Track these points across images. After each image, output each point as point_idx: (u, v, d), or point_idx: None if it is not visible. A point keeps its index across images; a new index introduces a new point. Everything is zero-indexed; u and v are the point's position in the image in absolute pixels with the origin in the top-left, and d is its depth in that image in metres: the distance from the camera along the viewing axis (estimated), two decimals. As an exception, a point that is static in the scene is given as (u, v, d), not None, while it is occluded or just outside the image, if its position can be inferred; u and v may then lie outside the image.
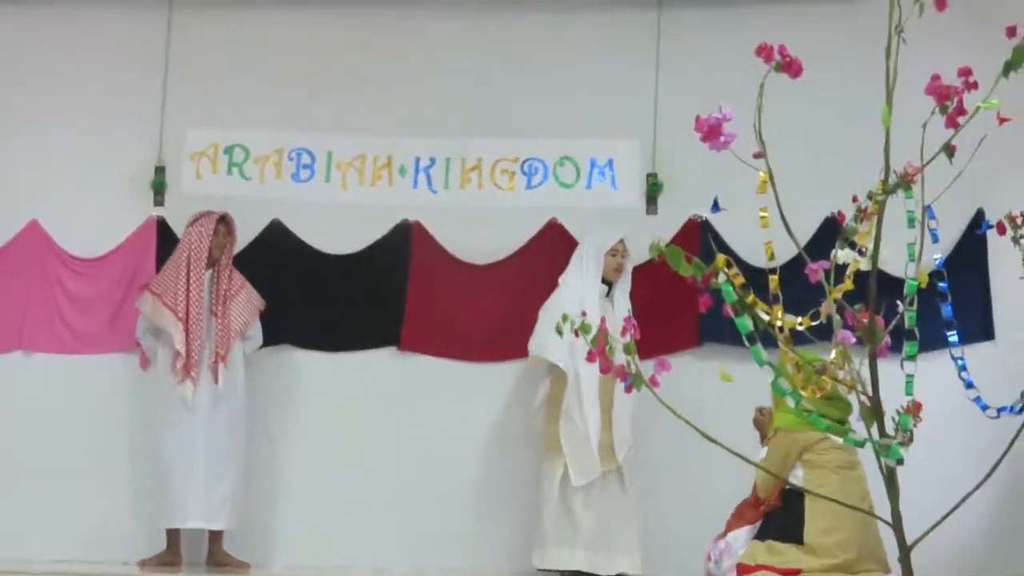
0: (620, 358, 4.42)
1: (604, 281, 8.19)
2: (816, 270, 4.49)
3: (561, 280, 8.18)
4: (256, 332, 8.45)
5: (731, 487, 7.38)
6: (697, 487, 8.25)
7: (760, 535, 6.86)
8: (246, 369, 8.38)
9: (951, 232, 8.12)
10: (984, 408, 5.55)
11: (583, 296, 7.96)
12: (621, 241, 8.22)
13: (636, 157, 8.83)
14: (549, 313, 8.04)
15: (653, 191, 8.77)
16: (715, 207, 4.89)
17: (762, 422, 7.33)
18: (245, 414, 8.32)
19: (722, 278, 4.44)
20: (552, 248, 8.57)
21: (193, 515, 8.07)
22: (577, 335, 4.40)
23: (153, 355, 8.27)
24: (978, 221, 8.35)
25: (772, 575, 6.59)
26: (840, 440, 4.66)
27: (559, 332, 4.64)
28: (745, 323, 4.47)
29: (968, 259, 8.35)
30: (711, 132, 4.46)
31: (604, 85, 8.85)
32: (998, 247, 8.29)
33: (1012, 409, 5.49)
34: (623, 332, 4.37)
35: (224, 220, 8.33)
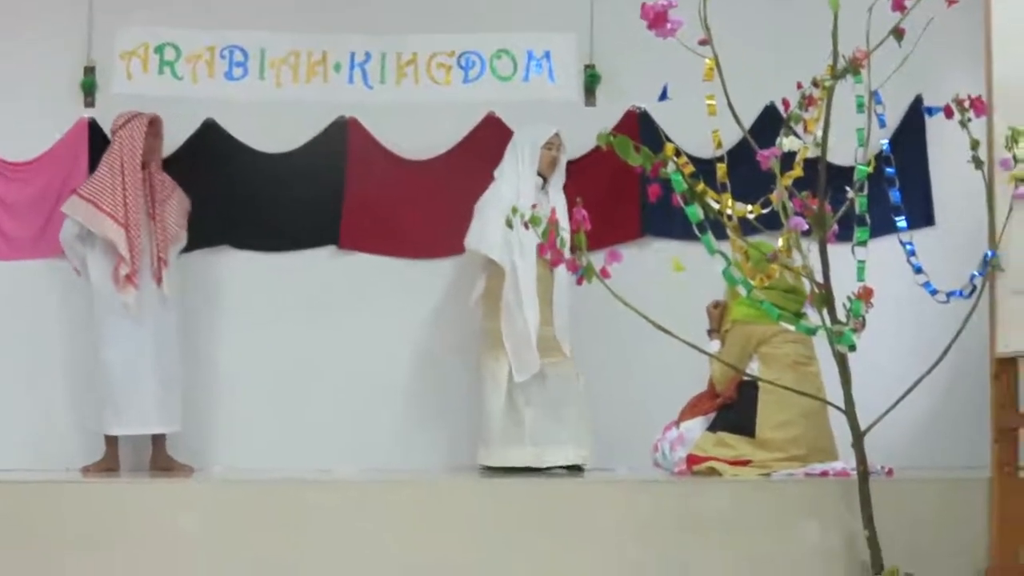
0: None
1: (539, 175, 8.13)
2: (768, 157, 4.48)
3: (496, 174, 8.11)
4: (184, 233, 8.36)
5: (673, 379, 7.44)
6: (639, 380, 8.28)
7: (712, 427, 6.90)
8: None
9: (890, 119, 8.11)
10: (933, 293, 5.57)
11: (520, 190, 7.92)
12: (556, 134, 8.15)
13: (573, 49, 8.75)
14: (485, 208, 7.99)
15: (591, 83, 8.71)
16: (663, 95, 4.87)
17: (714, 315, 7.34)
18: (182, 316, 8.26)
19: (671, 167, 4.42)
20: (490, 142, 8.47)
21: (147, 421, 8.02)
22: (527, 227, 4.38)
23: (82, 262, 8.14)
24: (917, 107, 8.37)
25: (722, 466, 6.64)
26: (793, 329, 4.66)
27: (509, 225, 4.62)
28: (695, 212, 4.46)
29: (908, 145, 8.33)
30: (657, 19, 4.42)
31: (540, -24, 8.77)
32: (936, 132, 8.32)
33: (961, 293, 5.52)
34: (574, 225, 4.35)
35: (153, 122, 8.18)
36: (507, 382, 7.81)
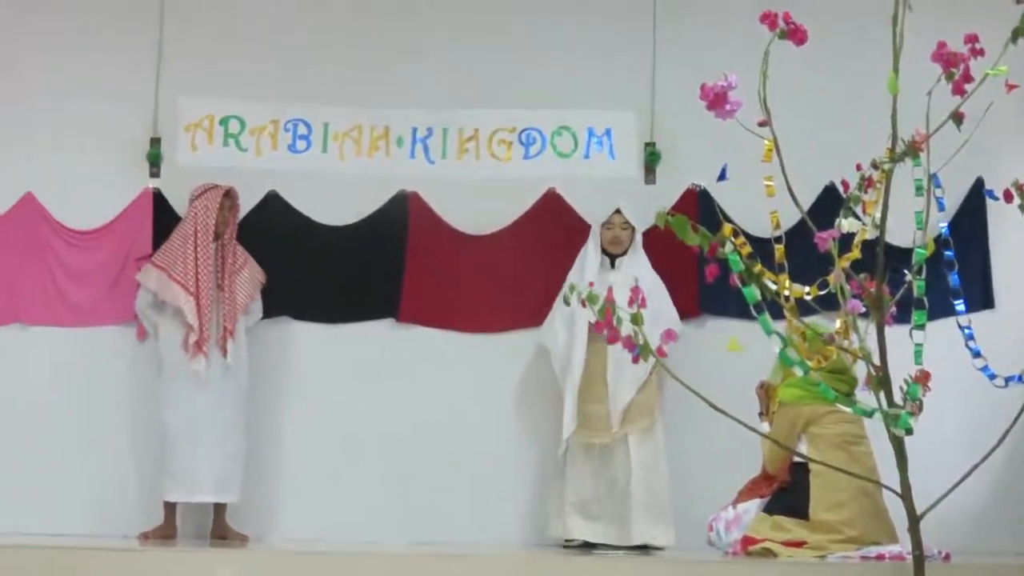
0: (627, 328, 4.40)
1: (608, 254, 8.18)
2: (826, 239, 4.47)
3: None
4: (257, 306, 8.45)
5: (729, 458, 7.39)
6: (696, 457, 8.23)
7: (768, 510, 6.85)
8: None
9: (949, 201, 8.09)
10: (992, 377, 5.53)
11: (584, 268, 8.07)
12: (617, 212, 8.20)
13: (634, 126, 8.79)
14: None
15: (651, 160, 8.73)
16: (722, 176, 4.87)
17: (761, 396, 7.31)
18: (249, 388, 8.30)
19: (729, 247, 4.42)
20: (550, 218, 8.55)
21: (201, 489, 8.07)
22: (584, 305, 4.39)
23: (154, 329, 8.24)
24: (977, 189, 8.35)
25: (777, 547, 6.59)
26: (848, 411, 4.64)
27: (566, 302, 4.66)
28: (752, 292, 4.46)
29: (968, 228, 8.32)
30: (717, 100, 4.43)
31: (601, 54, 8.80)
32: (996, 215, 8.30)
33: (1020, 379, 5.47)
34: (630, 302, 4.36)
35: (228, 194, 8.29)
36: (563, 458, 7.90)
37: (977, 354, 5.59)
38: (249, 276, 8.35)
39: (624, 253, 8.20)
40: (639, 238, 8.22)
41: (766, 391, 7.28)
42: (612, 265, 8.18)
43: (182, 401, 8.05)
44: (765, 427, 7.13)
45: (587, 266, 8.10)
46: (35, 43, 8.83)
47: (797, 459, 6.74)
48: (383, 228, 8.73)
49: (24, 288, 8.59)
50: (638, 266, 8.11)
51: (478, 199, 8.71)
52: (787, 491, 6.83)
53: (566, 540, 7.96)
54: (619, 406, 7.91)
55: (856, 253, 4.97)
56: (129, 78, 8.79)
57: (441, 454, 8.46)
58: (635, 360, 4.38)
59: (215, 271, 8.21)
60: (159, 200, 8.62)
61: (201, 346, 8.03)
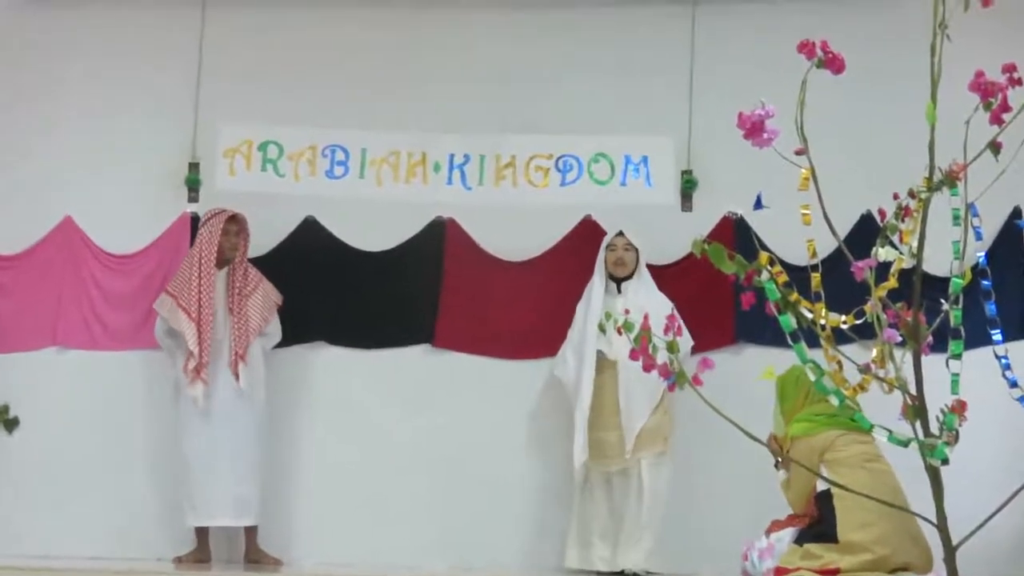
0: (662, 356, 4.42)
1: (613, 278, 8.21)
2: (862, 268, 4.45)
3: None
4: (274, 328, 8.46)
5: (764, 486, 7.37)
6: (731, 484, 8.22)
7: (798, 540, 6.82)
8: (268, 365, 8.38)
9: (986, 230, 8.05)
10: (1028, 407, 5.49)
11: (591, 294, 8.14)
12: (620, 234, 8.23)
13: (671, 154, 8.79)
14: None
15: (688, 188, 8.73)
16: (758, 204, 4.85)
17: (774, 447, 7.27)
18: (267, 410, 8.31)
19: (765, 276, 4.41)
20: (587, 245, 8.53)
21: (219, 514, 8.10)
22: (620, 333, 4.39)
23: (174, 355, 8.26)
24: (1015, 218, 8.33)
25: (812, 575, 6.55)
26: (883, 438, 4.61)
27: (601, 329, 4.67)
28: (788, 321, 4.44)
29: (1004, 257, 8.28)
30: (754, 129, 4.42)
31: (639, 81, 8.83)
32: (1034, 245, 8.26)
33: (1056, 408, 5.44)
34: (665, 330, 4.36)
35: (235, 219, 8.31)
36: (581, 485, 7.92)
37: (1014, 384, 5.54)
38: (262, 298, 8.36)
39: (629, 277, 8.22)
40: (643, 261, 8.23)
41: (777, 441, 7.25)
42: (619, 290, 8.19)
43: (196, 427, 8.08)
44: (783, 475, 7.11)
45: (594, 294, 8.14)
46: (75, 69, 8.92)
47: (820, 489, 6.70)
48: (419, 254, 8.77)
49: (61, 312, 8.66)
50: (645, 289, 8.15)
51: (515, 226, 8.74)
52: (815, 522, 6.80)
53: (591, 570, 7.97)
54: (632, 432, 7.91)
55: (893, 282, 4.94)
56: (168, 103, 8.87)
57: (476, 479, 8.48)
58: (671, 388, 4.38)
59: (225, 295, 8.23)
60: (197, 225, 8.65)
61: (199, 372, 8.03)
